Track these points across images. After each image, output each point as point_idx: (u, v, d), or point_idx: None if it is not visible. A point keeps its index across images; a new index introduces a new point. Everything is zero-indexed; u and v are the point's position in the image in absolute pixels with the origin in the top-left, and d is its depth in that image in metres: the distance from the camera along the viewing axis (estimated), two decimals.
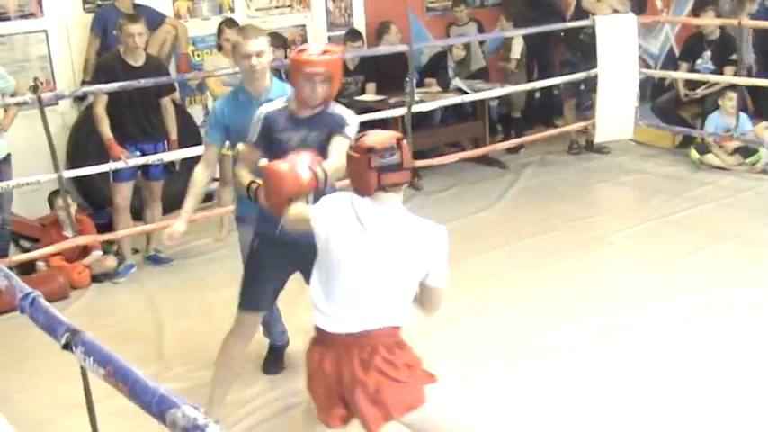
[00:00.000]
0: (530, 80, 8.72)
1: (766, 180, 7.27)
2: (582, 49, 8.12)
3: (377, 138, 2.92)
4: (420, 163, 7.35)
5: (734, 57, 7.94)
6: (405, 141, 2.94)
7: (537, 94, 9.32)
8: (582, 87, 8.33)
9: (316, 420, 3.06)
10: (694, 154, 7.75)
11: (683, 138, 8.24)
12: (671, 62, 9.40)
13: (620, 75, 7.81)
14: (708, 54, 8.21)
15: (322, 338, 2.98)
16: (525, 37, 8.61)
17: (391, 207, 2.94)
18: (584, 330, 4.72)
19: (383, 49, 7.77)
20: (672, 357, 4.39)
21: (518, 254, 5.94)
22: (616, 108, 7.88)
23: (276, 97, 3.88)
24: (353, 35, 8.06)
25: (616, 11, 7.92)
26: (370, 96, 7.83)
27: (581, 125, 8.22)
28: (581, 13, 8.18)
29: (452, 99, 7.58)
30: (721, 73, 8.05)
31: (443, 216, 6.65)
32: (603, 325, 4.75)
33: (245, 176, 3.63)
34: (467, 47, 8.52)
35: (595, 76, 7.80)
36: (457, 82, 7.96)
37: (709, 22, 8.27)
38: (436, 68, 8.23)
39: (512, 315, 4.99)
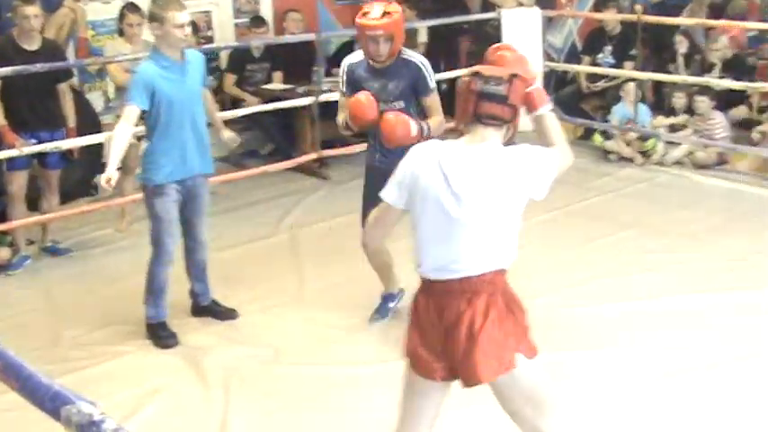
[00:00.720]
0: (435, 72, 8.74)
1: (662, 171, 7.48)
2: (488, 41, 8.16)
3: (491, 67, 2.86)
4: (328, 153, 7.33)
5: (634, 52, 8.14)
6: (519, 79, 2.77)
7: (444, 86, 9.36)
8: None
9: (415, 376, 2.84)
10: (598, 138, 7.96)
11: (585, 129, 8.40)
12: (574, 56, 9.58)
13: None
14: (609, 49, 8.41)
15: (424, 288, 2.83)
16: (430, 28, 8.65)
17: (484, 146, 2.73)
18: None
19: (291, 37, 7.69)
20: (573, 343, 4.47)
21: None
22: None
23: (194, 60, 4.45)
24: (258, 22, 7.96)
25: (521, 4, 8.04)
26: (277, 85, 7.75)
27: None
28: (487, 5, 8.26)
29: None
30: (622, 67, 8.25)
31: (353, 206, 6.62)
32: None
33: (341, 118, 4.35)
34: None
35: None
36: None
37: (611, 16, 8.47)
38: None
39: None
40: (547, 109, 2.99)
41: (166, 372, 4.41)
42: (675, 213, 6.45)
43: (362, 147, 7.44)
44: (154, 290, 4.61)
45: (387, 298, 4.88)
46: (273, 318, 4.96)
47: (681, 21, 8.56)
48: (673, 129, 7.89)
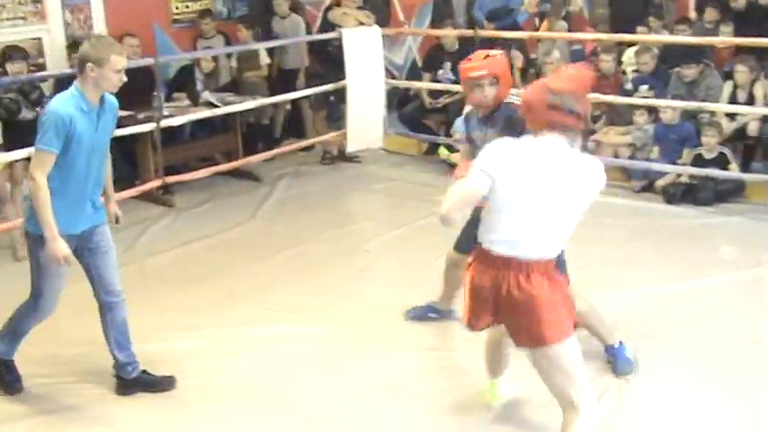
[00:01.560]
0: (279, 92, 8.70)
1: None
2: (330, 60, 8.23)
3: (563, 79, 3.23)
4: (172, 179, 7.17)
5: None
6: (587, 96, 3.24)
7: (288, 106, 9.32)
8: (332, 98, 8.44)
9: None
10: (443, 151, 8.13)
11: (429, 144, 8.55)
12: (415, 73, 9.75)
13: (368, 85, 8.01)
14: (448, 65, 8.59)
15: (482, 259, 3.26)
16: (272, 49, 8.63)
17: (555, 145, 3.16)
18: (363, 332, 4.87)
19: (128, 62, 7.47)
20: (430, 350, 4.51)
21: (280, 265, 5.91)
22: (365, 118, 8.06)
23: (108, 105, 4.06)
24: None
25: (361, 23, 8.10)
26: None
27: (332, 135, 8.33)
28: (328, 25, 8.29)
29: (202, 113, 7.44)
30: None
31: (199, 232, 6.55)
32: (380, 328, 4.90)
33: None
34: (215, 59, 8.40)
35: (344, 88, 7.94)
36: (206, 95, 7.81)
37: (448, 32, 8.67)
38: (185, 82, 8.04)
39: (288, 320, 5.02)
40: None
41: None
42: None
43: (208, 171, 7.42)
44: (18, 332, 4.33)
45: (433, 308, 4.95)
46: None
47: (515, 35, 8.84)
48: None
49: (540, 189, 3.13)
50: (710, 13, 9.51)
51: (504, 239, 3.19)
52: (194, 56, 8.35)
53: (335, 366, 4.51)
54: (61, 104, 3.94)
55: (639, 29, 8.96)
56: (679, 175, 7.14)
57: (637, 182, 7.39)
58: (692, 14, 9.92)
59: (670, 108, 7.42)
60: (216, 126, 8.14)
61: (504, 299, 3.21)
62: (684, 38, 8.41)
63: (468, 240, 3.98)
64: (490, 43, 7.54)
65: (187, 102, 7.77)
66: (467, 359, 4.48)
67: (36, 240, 4.02)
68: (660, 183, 7.19)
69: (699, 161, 7.12)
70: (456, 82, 8.53)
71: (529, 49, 9.25)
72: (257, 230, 6.71)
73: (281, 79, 8.71)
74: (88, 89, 3.96)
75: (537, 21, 10.05)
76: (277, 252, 6.14)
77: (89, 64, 3.92)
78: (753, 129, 7.44)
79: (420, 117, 8.77)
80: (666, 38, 8.68)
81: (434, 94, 8.67)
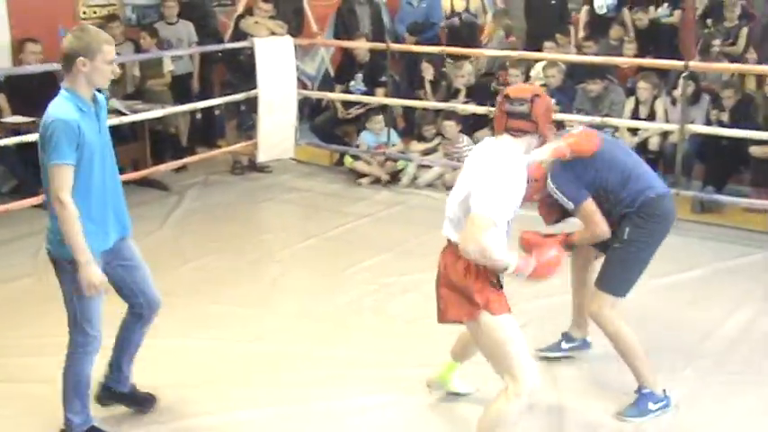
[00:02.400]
0: (189, 100, 8.61)
1: (415, 194, 7.78)
2: (242, 69, 8.18)
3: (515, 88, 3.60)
4: None
5: (383, 78, 8.42)
6: (539, 98, 3.44)
7: (198, 115, 9.23)
8: (243, 108, 8.39)
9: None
10: (348, 159, 8.21)
11: (341, 155, 8.57)
12: (328, 83, 9.77)
13: (280, 95, 7.99)
14: (360, 76, 8.64)
15: None
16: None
17: (501, 143, 3.44)
18: (266, 344, 4.84)
19: (31, 67, 7.30)
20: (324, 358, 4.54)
21: (189, 276, 5.84)
22: (277, 128, 8.04)
23: (101, 102, 3.69)
24: None
25: (273, 33, 8.08)
26: (17, 118, 7.30)
27: (243, 145, 8.28)
28: (239, 34, 8.24)
29: (109, 121, 7.26)
30: (373, 93, 8.50)
31: None
32: (283, 338, 4.90)
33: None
34: (122, 66, 8.25)
35: (256, 97, 7.91)
36: (114, 103, 7.66)
37: (360, 45, 8.72)
38: None
39: (209, 332, 4.99)
40: None
41: None
42: (430, 234, 6.63)
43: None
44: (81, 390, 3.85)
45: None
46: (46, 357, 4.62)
47: (426, 49, 8.95)
48: (425, 153, 8.24)
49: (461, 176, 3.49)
50: (616, 31, 9.82)
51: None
52: None
53: (251, 378, 4.48)
54: (62, 110, 3.52)
55: (547, 44, 9.18)
56: None
57: None
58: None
59: (575, 122, 7.59)
60: (123, 134, 7.99)
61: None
62: (590, 57, 8.66)
63: None
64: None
65: None
66: (390, 362, 4.53)
67: (67, 266, 3.61)
68: None
69: None
70: (367, 93, 8.60)
71: (440, 61, 9.36)
72: (165, 241, 6.61)
73: (171, 85, 8.58)
74: (81, 87, 3.57)
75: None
76: (186, 263, 6.07)
77: (80, 58, 3.52)
78: (654, 143, 7.68)
79: (332, 127, 8.79)
80: (572, 57, 8.90)
81: (346, 104, 8.70)
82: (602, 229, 4.06)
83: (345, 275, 5.84)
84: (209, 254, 6.23)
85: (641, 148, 7.75)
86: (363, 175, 8.07)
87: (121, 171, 7.52)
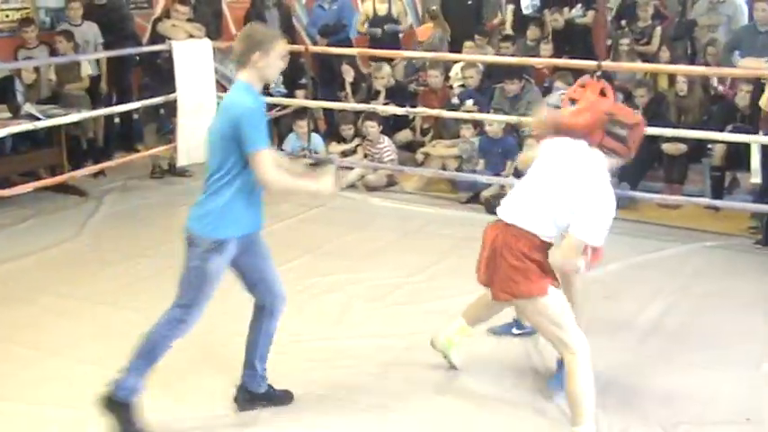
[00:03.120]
0: (108, 104, 8.50)
1: (337, 195, 7.73)
2: (160, 73, 8.09)
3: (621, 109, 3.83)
4: None
5: (304, 80, 8.41)
6: (638, 127, 3.72)
7: (117, 119, 9.09)
8: (162, 111, 8.30)
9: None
10: None
11: None
12: None
13: (199, 98, 7.91)
14: (280, 78, 8.62)
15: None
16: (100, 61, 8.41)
17: (597, 158, 3.71)
18: (205, 343, 4.68)
19: None
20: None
21: (107, 282, 5.75)
22: (196, 131, 7.93)
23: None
24: None
25: (192, 36, 7.99)
26: None
27: (162, 149, 8.18)
28: (157, 37, 8.14)
29: (24, 126, 7.14)
30: (294, 96, 8.50)
31: (21, 250, 6.30)
32: (220, 339, 4.83)
33: None
34: (37, 71, 8.09)
35: (174, 100, 7.83)
36: (28, 107, 7.51)
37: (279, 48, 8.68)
38: (4, 93, 7.70)
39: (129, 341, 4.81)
40: None
41: None
42: (352, 235, 6.74)
43: (31, 186, 7.10)
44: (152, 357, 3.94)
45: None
46: None
47: (345, 51, 8.99)
48: (345, 154, 8.27)
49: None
50: (533, 32, 10.00)
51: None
52: (15, 66, 8.02)
53: (173, 380, 4.43)
54: (250, 100, 3.70)
55: (467, 44, 9.30)
56: (503, 187, 7.42)
57: (463, 193, 7.63)
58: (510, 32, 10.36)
59: (494, 121, 7.71)
60: (39, 139, 7.84)
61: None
62: (507, 58, 8.80)
63: None
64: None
65: (7, 114, 7.45)
66: (316, 361, 4.51)
67: (211, 245, 3.79)
68: (485, 194, 7.46)
69: (521, 173, 7.42)
70: (287, 95, 8.58)
71: (361, 63, 9.41)
72: (84, 247, 6.50)
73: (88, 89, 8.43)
74: (254, 81, 3.75)
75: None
76: (105, 269, 5.99)
77: (256, 53, 3.68)
78: None
79: None
80: (489, 57, 9.03)
81: (266, 107, 8.65)
82: None
83: None
84: (129, 259, 6.15)
85: None
86: None
87: (37, 177, 7.56)
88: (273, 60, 3.74)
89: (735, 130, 6.90)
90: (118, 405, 3.87)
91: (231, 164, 3.72)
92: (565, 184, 3.68)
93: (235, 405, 4.18)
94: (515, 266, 3.73)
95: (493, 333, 4.92)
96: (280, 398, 4.23)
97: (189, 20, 8.14)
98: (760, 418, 4.12)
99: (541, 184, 3.78)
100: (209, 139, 3.79)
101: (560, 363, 4.25)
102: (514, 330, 4.96)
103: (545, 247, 3.77)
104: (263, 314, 4.11)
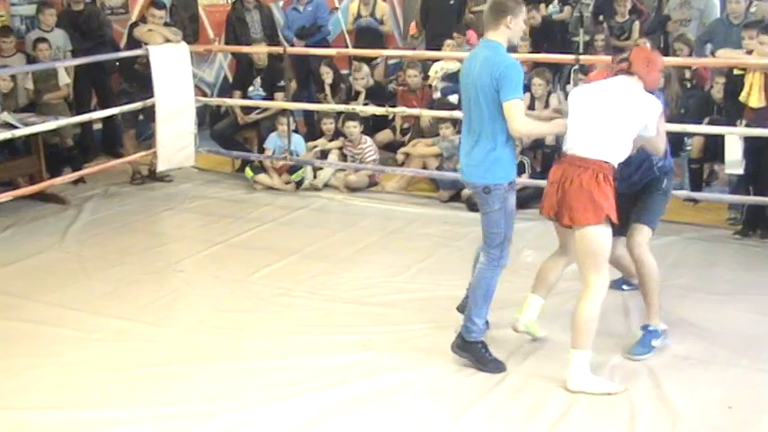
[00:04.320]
0: (85, 111, 8.42)
1: (318, 197, 7.80)
2: (138, 78, 8.06)
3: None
4: None
5: (282, 83, 8.40)
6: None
7: (98, 126, 9.05)
8: (141, 117, 8.27)
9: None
10: (249, 172, 8.14)
11: (242, 161, 8.51)
12: (227, 89, 9.70)
13: (177, 103, 7.89)
14: (258, 81, 8.61)
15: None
16: (80, 67, 8.34)
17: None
18: (171, 353, 4.79)
19: None
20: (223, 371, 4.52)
21: (89, 289, 5.72)
22: (176, 136, 7.94)
23: None
24: None
25: (168, 40, 7.96)
26: None
27: (142, 155, 8.15)
28: (134, 42, 8.10)
29: (1, 135, 7.09)
30: (273, 98, 8.48)
31: (1, 258, 6.25)
32: (199, 347, 4.85)
33: None
34: (13, 79, 8.04)
35: (153, 106, 7.80)
36: (5, 116, 7.46)
37: (257, 50, 8.68)
38: None
39: (106, 349, 4.86)
40: None
41: None
42: (334, 236, 6.74)
43: (10, 195, 7.04)
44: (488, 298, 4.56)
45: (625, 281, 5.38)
46: None
47: (324, 51, 8.99)
48: (324, 153, 8.26)
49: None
50: None
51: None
52: None
53: (146, 389, 4.43)
54: (509, 57, 4.33)
55: (448, 42, 9.31)
56: None
57: (445, 191, 7.64)
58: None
59: None
60: (17, 148, 7.80)
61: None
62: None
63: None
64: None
65: None
66: (298, 365, 4.52)
67: (504, 190, 4.38)
68: (466, 192, 7.46)
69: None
70: (267, 98, 8.57)
71: (338, 64, 9.40)
72: (65, 255, 6.46)
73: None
74: (503, 41, 4.34)
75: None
76: (86, 277, 5.96)
77: (508, 16, 4.29)
78: (550, 139, 7.83)
79: (232, 134, 8.72)
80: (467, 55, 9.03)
81: (246, 110, 8.65)
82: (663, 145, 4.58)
83: (249, 282, 5.81)
84: (110, 266, 6.12)
85: (538, 144, 7.94)
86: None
87: (16, 186, 7.51)
88: (521, 23, 4.36)
89: (711, 123, 6.94)
90: (471, 344, 4.52)
91: (498, 113, 4.27)
92: (623, 112, 4.22)
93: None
94: (592, 192, 4.14)
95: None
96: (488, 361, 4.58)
97: (166, 24, 8.12)
98: (741, 406, 4.15)
99: (604, 116, 4.23)
100: (467, 94, 4.40)
101: (645, 327, 4.70)
102: (624, 287, 5.37)
103: (609, 175, 4.19)
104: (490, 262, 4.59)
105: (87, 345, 4.92)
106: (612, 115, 4.23)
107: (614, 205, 4.20)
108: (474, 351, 4.52)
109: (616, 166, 4.24)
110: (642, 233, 4.71)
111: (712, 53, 7.53)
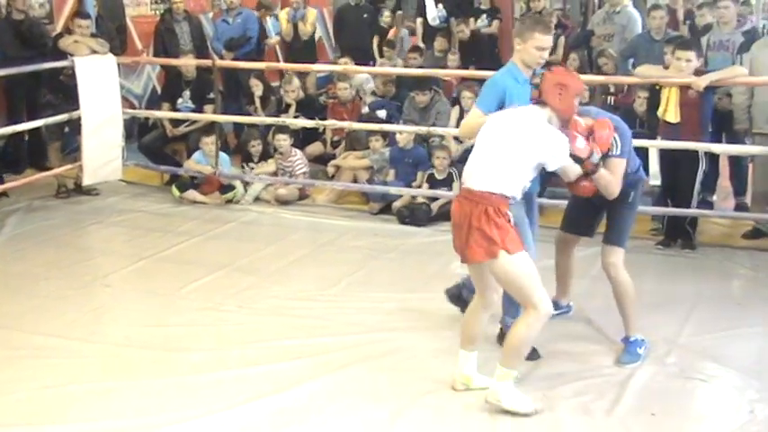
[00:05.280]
0: (17, 122, 8.23)
1: (248, 210, 7.78)
2: (63, 89, 7.92)
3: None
4: None
5: (211, 95, 8.34)
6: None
7: (26, 137, 8.80)
8: (66, 129, 8.12)
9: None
10: (175, 191, 8.04)
11: (171, 175, 8.42)
12: (155, 102, 9.59)
13: (104, 115, 7.78)
14: (187, 93, 8.54)
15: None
16: (15, 77, 8.12)
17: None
18: (100, 369, 4.71)
19: None
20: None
21: (12, 305, 5.59)
22: (102, 149, 7.82)
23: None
24: None
25: (95, 51, 7.84)
26: None
27: (68, 168, 8.00)
28: (59, 53, 7.95)
29: None
30: (202, 111, 8.42)
31: None
32: (126, 363, 4.76)
33: None
34: None
35: (79, 118, 7.67)
36: None
37: (185, 62, 8.61)
38: None
39: (28, 367, 4.74)
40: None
41: None
42: (264, 250, 6.70)
43: None
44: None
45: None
46: None
47: (253, 65, 8.96)
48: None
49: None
50: (440, 43, 10.15)
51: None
52: None
53: (79, 406, 4.35)
54: (499, 74, 4.64)
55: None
56: (414, 197, 7.49)
57: (375, 204, 7.67)
58: (421, 44, 10.52)
59: (405, 132, 7.78)
60: None
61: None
62: (415, 69, 8.89)
63: (572, 221, 4.93)
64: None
65: None
66: (230, 380, 4.49)
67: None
68: (397, 204, 7.52)
69: (431, 182, 7.53)
70: (195, 110, 8.50)
71: (268, 77, 9.39)
72: None
73: None
74: (518, 63, 4.58)
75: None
76: (12, 293, 5.81)
77: (517, 38, 4.58)
78: None
79: (161, 146, 8.63)
80: (397, 70, 9.13)
81: (175, 122, 8.57)
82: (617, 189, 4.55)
83: (178, 296, 5.75)
84: (35, 282, 5.99)
85: (468, 155, 8.01)
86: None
87: None
88: (529, 48, 4.51)
89: (634, 136, 7.08)
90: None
91: None
92: (518, 144, 4.09)
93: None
94: (482, 229, 4.01)
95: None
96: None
97: (93, 35, 7.99)
98: (666, 411, 4.25)
99: (499, 146, 4.12)
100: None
101: (626, 339, 4.83)
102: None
103: (501, 207, 4.04)
104: None
105: (13, 363, 4.80)
106: (507, 147, 4.10)
107: (511, 233, 4.05)
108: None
109: (511, 196, 4.09)
110: (614, 254, 4.78)
111: (633, 67, 7.70)
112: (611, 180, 4.48)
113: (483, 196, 4.05)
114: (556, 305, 5.17)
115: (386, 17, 11.10)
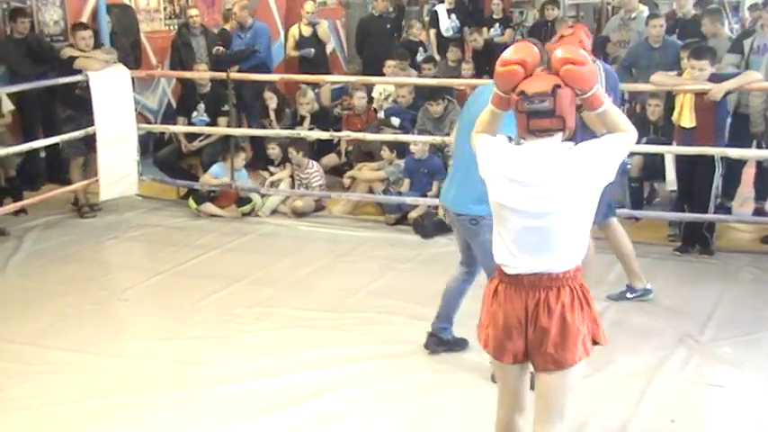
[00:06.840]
0: (33, 138, 8.26)
1: (265, 223, 7.78)
2: (78, 105, 7.93)
3: (531, 82, 2.99)
4: None
5: (226, 108, 8.36)
6: (562, 90, 2.97)
7: (43, 154, 8.84)
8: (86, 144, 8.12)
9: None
10: (192, 204, 8.04)
11: (187, 189, 8.42)
12: (171, 116, 9.62)
13: (119, 130, 7.80)
14: (202, 107, 8.56)
15: (503, 278, 3.12)
16: (29, 92, 8.16)
17: (543, 151, 3.00)
18: (129, 385, 4.71)
19: None
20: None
21: (32, 322, 5.60)
22: (118, 165, 7.84)
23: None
24: None
25: (106, 62, 7.80)
26: None
27: (84, 183, 8.00)
28: (67, 68, 7.94)
29: None
30: (216, 124, 8.44)
31: None
32: (147, 379, 4.78)
33: None
34: None
35: (95, 133, 7.69)
36: None
37: (200, 75, 8.63)
38: None
39: (51, 384, 4.75)
40: (607, 105, 3.08)
41: None
42: (282, 261, 6.71)
43: None
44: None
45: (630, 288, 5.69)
46: None
47: (268, 77, 8.99)
48: (273, 184, 8.23)
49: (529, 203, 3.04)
50: (454, 53, 10.17)
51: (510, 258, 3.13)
52: None
53: (96, 421, 4.36)
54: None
55: (389, 62, 9.39)
56: (429, 206, 7.48)
57: (391, 215, 7.67)
58: (436, 56, 10.55)
59: (420, 142, 7.78)
60: None
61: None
62: (428, 79, 8.89)
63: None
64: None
65: None
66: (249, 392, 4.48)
67: (489, 219, 3.70)
68: (412, 214, 7.51)
69: None
70: (210, 124, 8.52)
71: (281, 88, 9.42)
72: (7, 287, 6.33)
73: None
74: None
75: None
76: (30, 309, 5.83)
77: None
78: None
79: (176, 161, 8.64)
80: (411, 80, 9.12)
81: (190, 137, 8.58)
82: None
83: (196, 309, 5.77)
84: (54, 298, 6.01)
85: None
86: None
87: None
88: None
89: (650, 142, 7.08)
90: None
91: None
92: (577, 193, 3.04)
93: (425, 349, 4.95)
94: (562, 329, 3.03)
95: (609, 299, 5.66)
96: (459, 342, 4.98)
97: (97, 46, 7.97)
98: (685, 418, 4.23)
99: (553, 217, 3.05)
100: (461, 125, 4.46)
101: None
102: (628, 295, 5.68)
103: (585, 285, 3.14)
104: (466, 278, 4.84)
105: (30, 378, 4.83)
106: (563, 205, 3.00)
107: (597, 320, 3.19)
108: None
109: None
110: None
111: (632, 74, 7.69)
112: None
113: (566, 276, 3.05)
114: (631, 290, 5.65)
115: (416, 29, 11.02)
